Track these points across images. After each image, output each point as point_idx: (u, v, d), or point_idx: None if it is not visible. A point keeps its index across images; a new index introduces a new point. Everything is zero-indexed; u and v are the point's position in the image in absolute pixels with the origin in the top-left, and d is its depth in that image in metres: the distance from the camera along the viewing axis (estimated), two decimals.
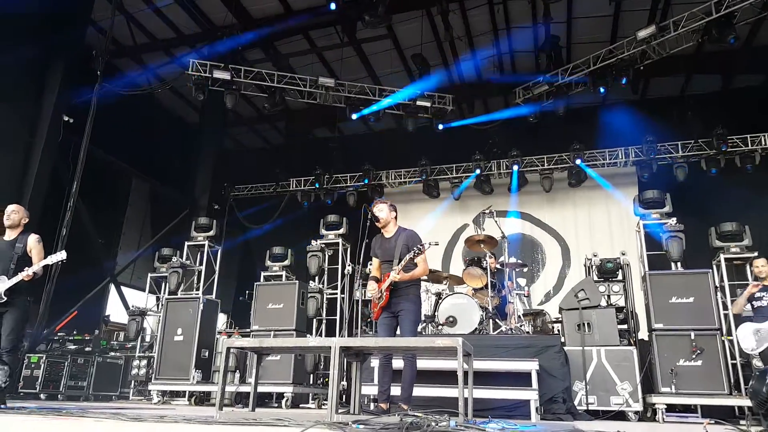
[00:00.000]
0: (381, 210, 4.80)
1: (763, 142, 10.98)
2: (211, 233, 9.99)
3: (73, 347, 9.59)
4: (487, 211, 8.16)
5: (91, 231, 11.34)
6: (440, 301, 7.08)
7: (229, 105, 10.94)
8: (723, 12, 8.47)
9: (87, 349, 9.65)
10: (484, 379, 5.34)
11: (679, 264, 7.19)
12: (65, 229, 8.72)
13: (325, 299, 9.47)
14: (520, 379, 5.66)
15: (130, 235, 13.55)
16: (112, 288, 12.50)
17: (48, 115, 9.57)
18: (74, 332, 9.92)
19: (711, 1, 8.65)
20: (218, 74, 10.60)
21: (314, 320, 9.17)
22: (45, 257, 5.05)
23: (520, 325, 7.04)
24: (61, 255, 5.12)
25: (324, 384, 8.57)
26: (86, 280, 11.21)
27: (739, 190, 10.92)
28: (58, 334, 9.94)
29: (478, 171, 12.24)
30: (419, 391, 5.48)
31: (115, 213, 13.08)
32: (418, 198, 13.15)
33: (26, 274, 4.89)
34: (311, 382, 8.47)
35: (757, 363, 6.36)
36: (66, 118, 9.72)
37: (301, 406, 8.22)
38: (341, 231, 9.85)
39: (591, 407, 6.15)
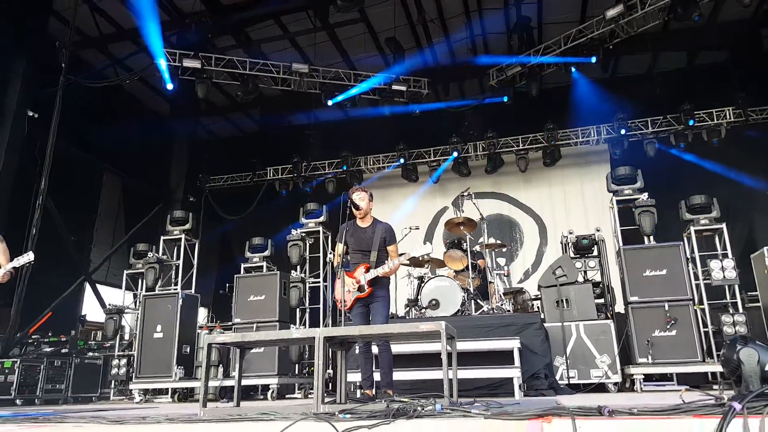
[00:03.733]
0: (362, 199, 4.81)
1: (727, 116, 11.29)
2: (188, 226, 9.82)
3: (48, 349, 9.27)
4: (466, 194, 8.22)
5: (62, 229, 11.06)
6: (423, 284, 7.14)
7: (200, 94, 10.76)
8: None
9: (63, 350, 9.34)
10: (467, 359, 5.42)
11: (651, 238, 7.36)
12: (35, 228, 8.49)
13: (307, 288, 9.44)
14: (503, 358, 5.76)
15: (104, 231, 13.26)
16: (87, 287, 12.22)
17: (11, 110, 9.26)
18: (49, 334, 9.62)
19: None
20: (188, 63, 10.40)
21: (297, 310, 9.15)
22: (11, 258, 4.92)
23: (501, 304, 7.15)
24: (28, 257, 4.99)
25: (309, 373, 8.59)
26: (59, 279, 10.96)
27: (706, 164, 11.24)
28: (33, 336, 9.64)
29: (455, 154, 12.30)
30: (405, 375, 5.56)
31: (86, 209, 12.74)
32: (397, 182, 13.18)
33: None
34: (296, 372, 8.48)
35: (728, 330, 6.60)
36: (30, 113, 9.42)
37: (287, 396, 8.23)
38: (321, 219, 9.80)
39: (572, 381, 6.31)
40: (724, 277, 6.97)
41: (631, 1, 9.40)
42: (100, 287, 12.44)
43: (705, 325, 7.10)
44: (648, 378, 6.63)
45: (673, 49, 12.04)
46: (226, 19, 10.83)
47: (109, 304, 10.21)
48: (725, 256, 7.30)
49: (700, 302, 7.30)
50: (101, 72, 11.82)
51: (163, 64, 10.44)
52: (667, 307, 6.41)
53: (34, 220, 8.54)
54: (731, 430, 2.03)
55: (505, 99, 11.07)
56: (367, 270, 4.67)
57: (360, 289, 4.64)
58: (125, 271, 10.14)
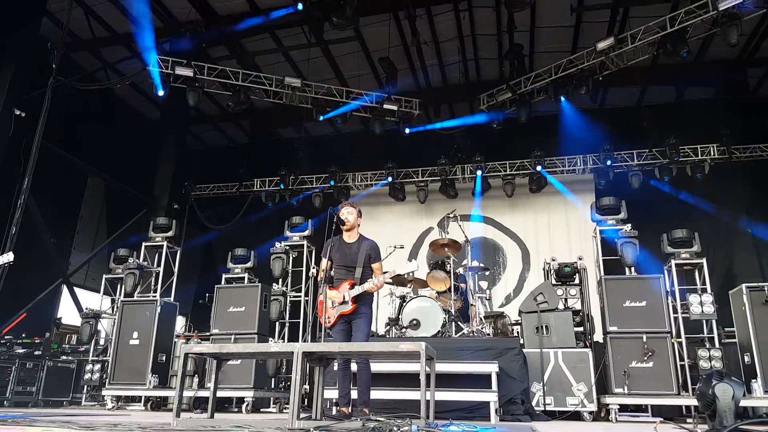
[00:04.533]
0: (350, 213, 4.83)
1: (712, 153, 11.52)
2: (170, 234, 9.71)
3: (21, 351, 9.12)
4: (452, 215, 8.27)
5: (43, 230, 10.89)
6: (404, 304, 7.13)
7: (191, 102, 10.73)
8: (677, 27, 8.86)
9: (36, 352, 9.21)
10: (445, 381, 5.41)
11: (632, 269, 7.44)
12: (15, 228, 8.34)
13: (288, 302, 9.37)
14: (481, 381, 5.76)
15: (85, 234, 13.07)
16: (65, 289, 12.02)
17: None
18: (23, 335, 9.46)
19: (666, 16, 9.04)
20: (180, 71, 10.39)
21: (277, 323, 9.07)
22: None
23: (481, 328, 7.15)
24: (8, 256, 4.92)
25: (286, 388, 8.48)
26: (37, 280, 10.76)
27: (689, 198, 11.44)
28: (5, 337, 9.46)
29: (442, 176, 12.37)
30: (381, 394, 5.52)
31: (69, 211, 12.57)
32: (384, 201, 13.20)
33: None
34: (272, 386, 8.37)
35: (704, 365, 6.66)
36: (17, 112, 9.32)
37: (262, 410, 8.11)
38: (306, 233, 9.76)
39: (548, 408, 6.30)
40: (702, 311, 7.06)
41: (621, 34, 9.63)
42: (77, 290, 12.23)
43: (681, 359, 7.17)
44: (623, 408, 6.65)
45: (662, 84, 12.29)
46: (220, 29, 10.87)
47: (86, 308, 10.03)
48: (704, 290, 7.40)
49: (678, 335, 7.37)
50: (93, 75, 11.75)
51: (155, 70, 10.43)
52: (645, 339, 6.45)
53: (14, 220, 8.39)
54: None
55: (495, 124, 11.21)
56: (352, 286, 4.67)
57: (344, 303, 4.63)
58: (104, 276, 10.00)
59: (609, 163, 11.70)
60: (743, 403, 5.36)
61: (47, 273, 11.26)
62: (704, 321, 7.33)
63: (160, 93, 10.75)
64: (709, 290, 7.36)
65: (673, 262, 7.68)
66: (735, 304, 6.59)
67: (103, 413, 6.61)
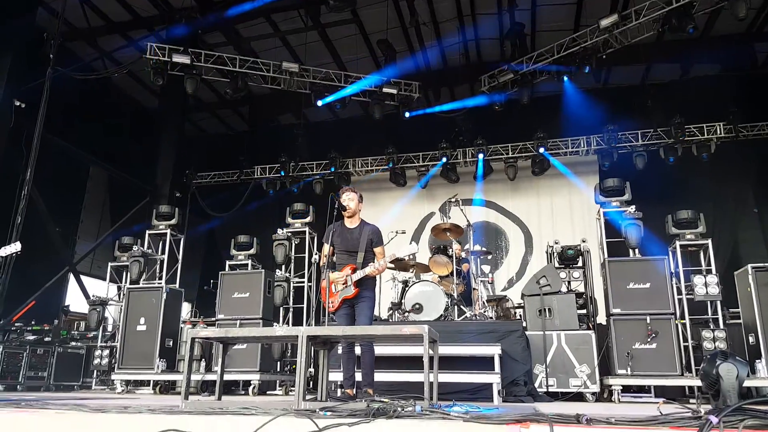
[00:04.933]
0: (351, 200, 4.82)
1: (718, 131, 11.32)
2: (173, 221, 9.79)
3: (31, 337, 9.34)
4: (453, 200, 8.23)
5: (48, 220, 10.95)
6: (407, 288, 7.14)
7: (189, 90, 10.67)
8: (682, 1, 8.65)
9: (46, 339, 9.42)
10: (448, 363, 5.43)
11: (636, 251, 7.41)
12: (20, 218, 8.38)
13: (291, 288, 9.42)
14: (483, 363, 5.78)
15: (89, 223, 13.16)
16: (71, 277, 12.14)
17: None
18: (32, 322, 9.64)
19: None
20: (177, 58, 10.32)
21: (281, 309, 9.12)
22: None
23: (484, 311, 7.16)
24: (15, 246, 4.95)
25: (291, 371, 8.56)
26: (44, 269, 10.86)
27: (694, 179, 11.32)
28: (16, 324, 9.64)
29: (444, 159, 12.31)
30: (386, 376, 5.55)
31: (72, 201, 12.66)
32: (386, 186, 13.16)
33: None
34: (278, 370, 8.45)
35: (708, 346, 6.66)
36: (17, 103, 9.31)
37: (268, 393, 8.20)
38: (308, 219, 9.78)
39: (551, 389, 6.33)
40: (707, 293, 7.02)
41: (625, 11, 9.45)
42: (84, 278, 12.36)
43: (685, 340, 7.16)
44: (626, 389, 6.68)
45: (667, 61, 12.06)
46: (216, 14, 10.76)
47: (93, 296, 10.14)
48: (709, 272, 7.35)
49: (682, 317, 7.35)
50: (90, 64, 11.70)
51: (151, 58, 10.35)
52: (648, 320, 6.45)
53: (19, 210, 8.43)
54: None
55: (496, 106, 11.10)
56: (354, 271, 4.67)
57: (347, 288, 4.63)
58: (110, 264, 10.07)
59: (613, 143, 11.57)
60: (747, 383, 5.38)
61: (53, 262, 11.38)
62: (709, 302, 7.30)
63: (158, 81, 10.67)
64: (714, 271, 7.32)
65: (677, 243, 7.63)
66: (740, 284, 6.56)
67: (113, 397, 6.70)
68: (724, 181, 11.26)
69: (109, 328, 9.83)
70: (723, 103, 11.32)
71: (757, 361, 6.02)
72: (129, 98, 13.61)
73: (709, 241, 7.59)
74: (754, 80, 11.90)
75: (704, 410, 2.58)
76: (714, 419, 2.12)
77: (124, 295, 8.88)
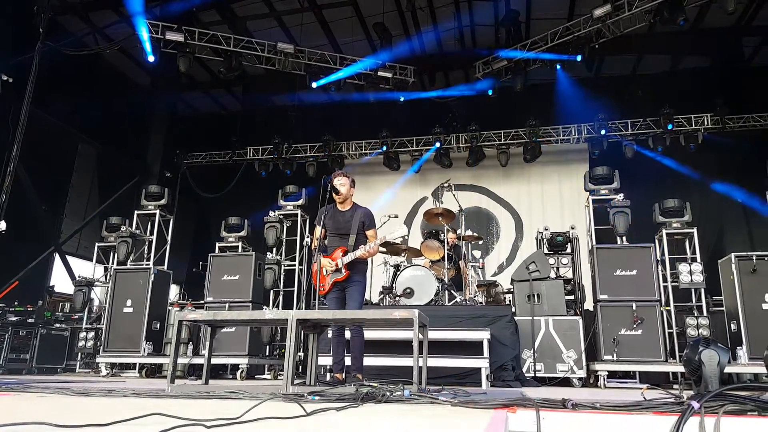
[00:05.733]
0: (343, 184, 4.81)
1: (705, 122, 11.50)
2: (163, 202, 9.69)
3: (14, 319, 9.14)
4: (446, 185, 8.25)
5: (34, 198, 10.79)
6: (398, 272, 7.18)
7: (182, 68, 10.54)
8: None
9: (30, 320, 9.24)
10: (438, 348, 5.48)
11: (624, 238, 7.50)
12: (5, 195, 8.27)
13: (282, 271, 9.41)
14: (473, 348, 5.84)
15: (76, 202, 12.96)
16: (57, 257, 12.00)
17: None
18: (15, 303, 9.48)
19: None
20: (171, 36, 10.17)
21: (271, 292, 9.12)
22: None
23: (474, 296, 7.22)
24: None
25: (280, 355, 8.59)
26: (28, 249, 10.72)
27: (681, 168, 11.47)
28: None
29: (438, 144, 12.31)
30: (375, 360, 5.60)
31: (59, 179, 12.43)
32: (379, 170, 13.15)
33: None
34: (267, 354, 8.47)
35: (692, 332, 6.79)
36: (5, 78, 9.12)
37: (256, 377, 8.23)
38: (300, 202, 9.75)
39: (538, 374, 6.43)
40: (692, 280, 7.16)
41: (618, 1, 9.47)
42: (70, 259, 12.22)
43: (670, 326, 7.30)
44: (612, 375, 6.79)
45: (658, 53, 12.17)
46: None
47: (79, 276, 10.04)
48: (694, 260, 7.49)
49: (667, 304, 7.49)
50: (81, 40, 11.47)
51: (144, 35, 10.19)
52: (635, 307, 6.55)
53: (4, 188, 8.31)
54: (688, 428, 2.09)
55: (490, 92, 11.10)
56: (345, 253, 4.68)
57: (337, 271, 4.64)
58: (97, 244, 9.96)
59: (603, 132, 11.67)
60: (728, 369, 5.50)
61: (39, 241, 11.21)
62: (693, 290, 7.44)
63: (151, 59, 10.53)
64: (698, 259, 7.46)
65: (664, 231, 7.74)
66: (724, 273, 6.68)
67: (98, 380, 6.67)
68: (710, 171, 11.41)
69: (95, 310, 9.74)
70: (711, 95, 11.50)
71: (738, 347, 6.16)
72: (121, 75, 13.38)
73: (695, 230, 7.72)
74: (741, 73, 12.05)
75: (687, 396, 2.64)
76: (695, 404, 2.17)
77: (110, 276, 8.76)
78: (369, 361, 5.00)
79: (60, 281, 11.84)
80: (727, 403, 2.24)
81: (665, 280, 7.53)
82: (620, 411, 2.37)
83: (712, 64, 12.25)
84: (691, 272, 7.17)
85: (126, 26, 10.77)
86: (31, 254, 10.93)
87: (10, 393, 3.59)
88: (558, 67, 10.56)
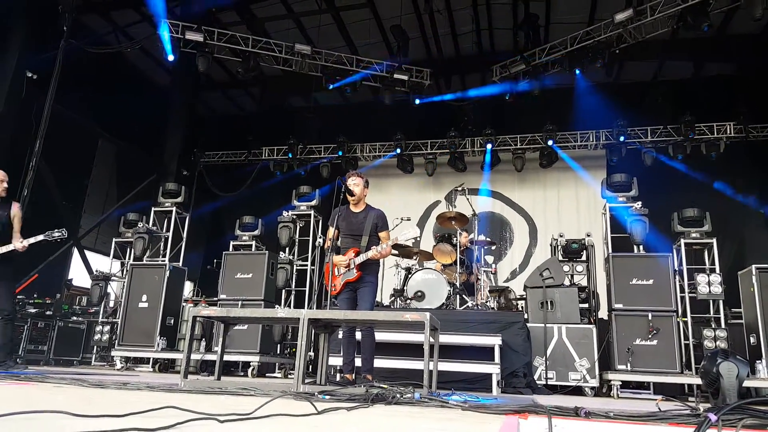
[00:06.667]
0: (357, 185, 4.81)
1: (728, 131, 11.27)
2: (179, 199, 9.81)
3: (33, 311, 9.34)
4: (460, 189, 8.21)
5: (55, 192, 10.99)
6: (409, 275, 7.15)
7: (201, 68, 10.64)
8: None
9: (48, 313, 9.42)
10: (448, 352, 5.46)
11: (641, 247, 7.39)
12: (27, 190, 8.43)
13: (295, 270, 9.45)
14: (484, 354, 5.80)
15: (95, 197, 13.16)
16: (75, 252, 12.19)
17: (10, 70, 9.14)
18: (34, 295, 9.67)
19: None
20: (191, 36, 10.28)
21: (283, 291, 9.16)
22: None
23: (486, 301, 7.17)
24: (60, 232, 5.11)
25: (291, 354, 8.62)
26: (48, 242, 10.87)
27: (702, 177, 11.26)
28: (17, 297, 9.65)
29: (452, 148, 12.25)
30: (385, 362, 5.58)
31: (79, 174, 12.63)
32: (393, 173, 13.13)
33: (22, 245, 4.88)
34: (278, 352, 8.50)
35: (709, 345, 6.66)
36: (29, 74, 9.31)
37: (267, 375, 8.27)
38: (313, 202, 9.79)
39: (550, 382, 6.36)
40: (710, 291, 7.03)
41: (641, 6, 9.35)
42: (88, 253, 12.41)
43: (686, 338, 7.17)
44: (625, 385, 6.69)
45: (680, 59, 11.94)
46: None
47: (96, 271, 10.19)
48: (713, 271, 7.35)
49: (684, 315, 7.36)
50: (103, 38, 11.65)
51: (165, 34, 10.32)
52: (650, 317, 6.45)
53: (26, 182, 8.47)
54: None
55: (507, 96, 11.03)
56: (357, 254, 4.68)
57: (349, 271, 4.64)
58: (114, 239, 10.11)
59: (622, 139, 11.48)
60: (747, 383, 5.38)
61: None
62: (711, 301, 7.30)
63: (170, 58, 10.66)
64: (717, 270, 7.31)
65: (682, 241, 7.61)
66: (744, 284, 6.55)
67: (113, 373, 6.76)
68: (732, 181, 11.20)
69: (111, 304, 9.86)
70: (734, 103, 11.25)
71: (757, 361, 6.02)
72: (141, 74, 13.56)
73: (714, 241, 7.58)
74: (766, 81, 11.78)
75: (703, 408, 2.59)
76: (713, 417, 2.12)
77: (127, 271, 8.90)
78: (379, 363, 4.99)
79: (78, 275, 12.02)
80: (746, 417, 2.18)
81: (683, 290, 7.40)
82: (635, 421, 2.32)
83: (736, 71, 12.01)
84: (709, 283, 7.05)
85: (147, 25, 10.92)
86: (51, 248, 11.05)
87: (29, 383, 3.66)
88: (577, 71, 10.45)
